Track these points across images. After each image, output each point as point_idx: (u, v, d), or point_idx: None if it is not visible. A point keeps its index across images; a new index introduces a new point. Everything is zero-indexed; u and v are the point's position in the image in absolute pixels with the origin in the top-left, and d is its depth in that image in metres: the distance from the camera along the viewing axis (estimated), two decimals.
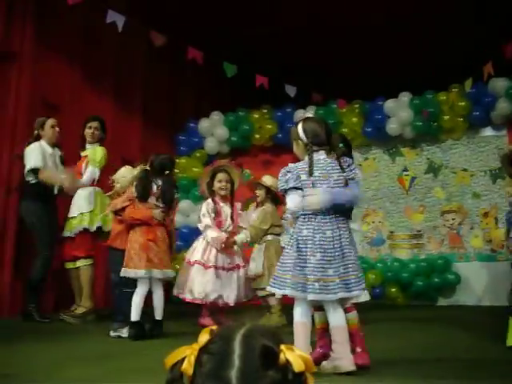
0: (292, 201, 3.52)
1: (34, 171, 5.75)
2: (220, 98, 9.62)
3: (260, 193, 5.96)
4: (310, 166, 3.52)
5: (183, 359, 1.02)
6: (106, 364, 3.78)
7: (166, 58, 8.50)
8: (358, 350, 3.57)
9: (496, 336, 4.21)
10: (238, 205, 5.86)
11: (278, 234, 5.92)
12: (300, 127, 3.65)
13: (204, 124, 8.85)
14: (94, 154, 6.07)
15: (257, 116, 8.68)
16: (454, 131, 7.92)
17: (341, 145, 3.73)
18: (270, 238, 5.89)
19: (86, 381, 3.23)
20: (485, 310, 6.69)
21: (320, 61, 9.11)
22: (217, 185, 5.61)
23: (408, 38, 8.43)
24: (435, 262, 7.66)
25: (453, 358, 3.86)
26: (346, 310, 3.61)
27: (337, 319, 3.48)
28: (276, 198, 5.83)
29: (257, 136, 8.65)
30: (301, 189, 3.51)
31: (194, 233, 6.84)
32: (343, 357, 3.39)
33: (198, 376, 0.99)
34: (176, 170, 5.44)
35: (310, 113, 4.51)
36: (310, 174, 3.50)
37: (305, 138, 3.60)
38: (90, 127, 6.16)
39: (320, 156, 3.57)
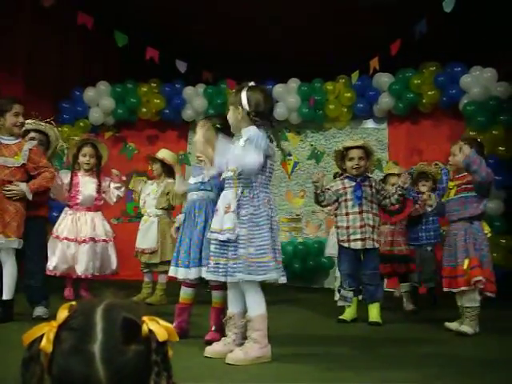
0: None
1: None
2: (108, 68, 9.30)
3: (156, 167, 5.98)
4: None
5: (41, 337, 0.98)
6: None
7: (54, 21, 8.08)
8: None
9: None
10: (107, 181, 5.76)
11: (168, 209, 5.94)
12: (244, 94, 3.40)
13: (89, 93, 8.57)
14: None
15: (145, 89, 8.51)
16: (338, 120, 8.17)
17: None
18: (161, 212, 5.85)
19: None
20: None
21: (213, 40, 9.05)
22: (81, 159, 5.64)
23: (301, 25, 8.53)
24: (311, 245, 7.89)
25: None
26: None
27: None
28: (172, 171, 5.78)
29: (144, 110, 8.50)
30: None
31: None
32: None
33: (57, 353, 0.97)
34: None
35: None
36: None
37: (247, 107, 3.39)
38: None
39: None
